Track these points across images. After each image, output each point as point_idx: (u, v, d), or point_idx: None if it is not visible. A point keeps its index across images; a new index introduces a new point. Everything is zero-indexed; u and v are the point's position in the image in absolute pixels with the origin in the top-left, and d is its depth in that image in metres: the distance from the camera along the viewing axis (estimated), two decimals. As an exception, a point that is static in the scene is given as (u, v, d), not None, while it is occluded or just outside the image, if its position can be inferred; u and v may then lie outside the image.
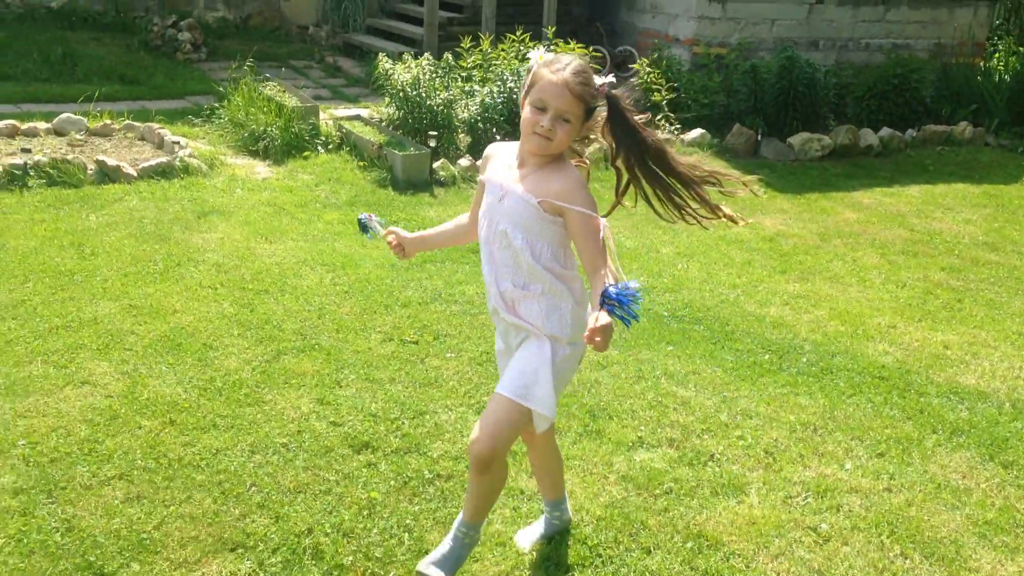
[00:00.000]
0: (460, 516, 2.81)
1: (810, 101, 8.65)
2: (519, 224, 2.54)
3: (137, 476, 3.22)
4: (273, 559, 2.90)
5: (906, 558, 3.08)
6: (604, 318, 2.25)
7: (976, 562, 3.09)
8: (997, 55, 11.18)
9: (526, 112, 2.47)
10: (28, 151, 6.53)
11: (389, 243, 2.88)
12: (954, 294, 5.48)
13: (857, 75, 9.68)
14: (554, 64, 2.46)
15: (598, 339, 2.24)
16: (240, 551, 2.92)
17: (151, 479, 3.22)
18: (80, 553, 2.84)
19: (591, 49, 8.28)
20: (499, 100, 7.62)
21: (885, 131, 8.91)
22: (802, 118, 8.63)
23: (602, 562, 3.00)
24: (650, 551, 3.05)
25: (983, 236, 6.64)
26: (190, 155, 6.75)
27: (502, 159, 2.65)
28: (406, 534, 3.06)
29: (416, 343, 4.39)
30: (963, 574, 3.04)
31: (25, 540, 2.88)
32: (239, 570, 2.83)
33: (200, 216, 5.86)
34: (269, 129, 7.34)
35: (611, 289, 2.30)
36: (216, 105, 8.04)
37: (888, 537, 3.17)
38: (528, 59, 2.56)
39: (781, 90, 8.57)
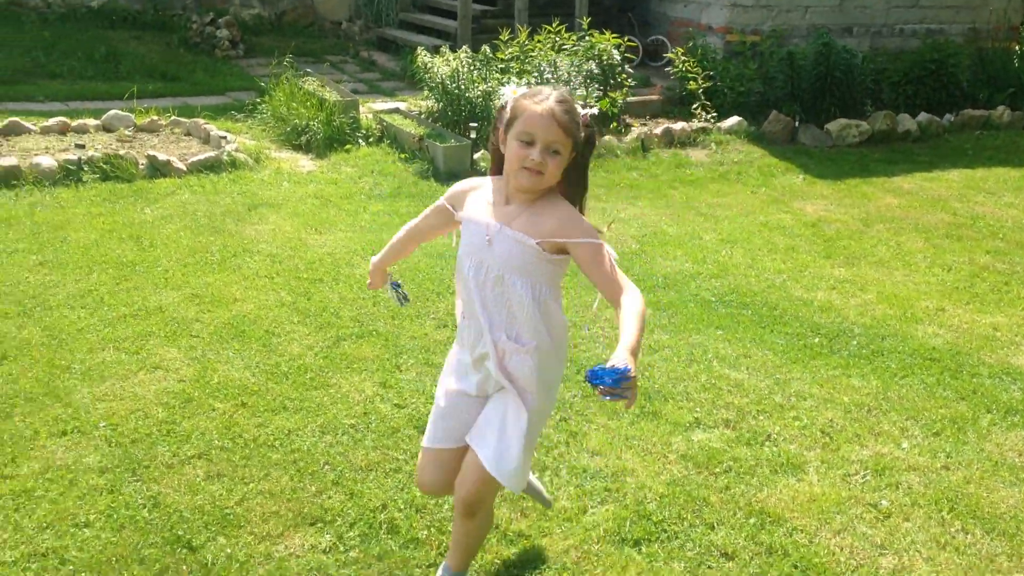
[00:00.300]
0: (445, 564, 2.76)
1: (847, 87, 8.66)
2: (518, 268, 2.36)
3: (215, 455, 3.34)
4: (351, 533, 3.00)
5: (967, 533, 3.14)
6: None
7: (1036, 536, 3.15)
8: (1033, 39, 11.11)
9: (512, 148, 2.29)
10: (82, 147, 6.68)
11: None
12: (1000, 277, 5.51)
13: (892, 61, 9.66)
14: (536, 95, 2.31)
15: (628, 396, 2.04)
16: (319, 525, 3.03)
17: (229, 458, 3.34)
18: (168, 527, 2.96)
19: (625, 39, 8.32)
20: (537, 91, 7.68)
21: (923, 116, 8.90)
22: (839, 104, 8.65)
23: (667, 537, 3.08)
24: (714, 527, 3.13)
25: (1026, 220, 6.64)
26: (236, 149, 6.88)
27: (481, 196, 2.47)
28: (476, 510, 3.15)
29: (471, 329, 4.48)
30: (1024, 548, 3.10)
31: (115, 516, 3.00)
32: (320, 543, 2.94)
33: (250, 208, 5.98)
34: (311, 123, 7.46)
35: (605, 378, 2.02)
36: (257, 100, 8.17)
37: (948, 513, 3.23)
38: (504, 93, 2.41)
39: (818, 76, 8.58)
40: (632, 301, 2.25)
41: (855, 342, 4.54)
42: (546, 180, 2.31)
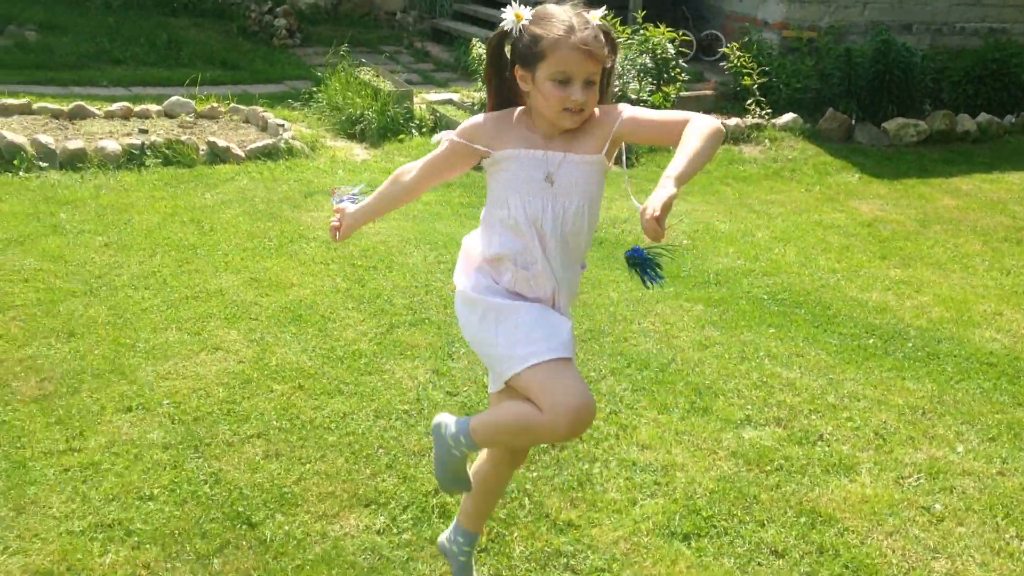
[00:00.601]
0: (464, 530, 2.68)
1: (906, 86, 8.52)
2: (586, 194, 2.23)
3: (274, 435, 3.43)
4: (404, 516, 3.06)
5: (1022, 540, 3.11)
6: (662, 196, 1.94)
7: (1093, 545, 3.11)
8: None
9: (547, 89, 2.13)
10: (145, 132, 6.84)
11: (332, 224, 2.59)
12: (1062, 283, 5.42)
13: (952, 59, 9.49)
14: (552, 23, 2.13)
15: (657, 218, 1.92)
16: (374, 507, 3.09)
17: (286, 438, 3.42)
18: (228, 503, 3.04)
19: (679, 33, 8.28)
20: (591, 84, 7.68)
21: (983, 117, 8.73)
22: (897, 103, 8.52)
23: (717, 533, 3.09)
24: (764, 524, 3.14)
25: (1089, 225, 6.51)
26: (293, 137, 6.99)
27: (511, 131, 2.25)
28: (526, 498, 3.20)
29: (522, 320, 4.52)
30: (1080, 556, 3.06)
31: (178, 490, 3.09)
32: (374, 524, 3.01)
33: (306, 196, 6.08)
34: (366, 113, 7.55)
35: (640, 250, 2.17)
36: (314, 89, 8.29)
37: (1004, 519, 3.20)
38: (506, 18, 2.21)
39: (876, 74, 8.46)
40: (696, 124, 2.11)
41: (910, 344, 4.50)
42: (588, 113, 2.20)
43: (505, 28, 2.19)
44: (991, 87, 9.01)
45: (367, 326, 4.35)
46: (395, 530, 3.00)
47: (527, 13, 2.18)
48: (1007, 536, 3.12)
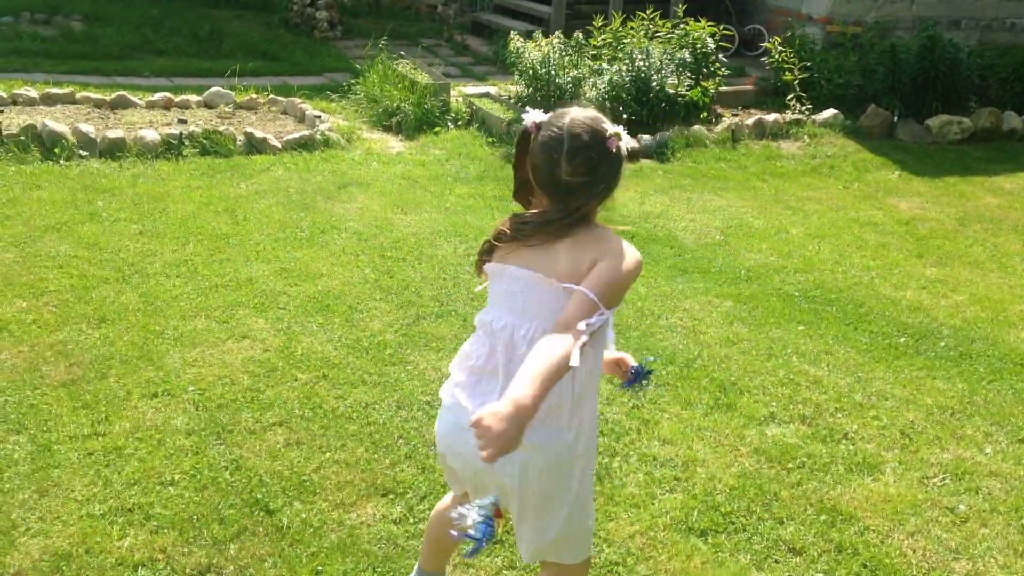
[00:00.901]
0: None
1: (951, 82, 8.35)
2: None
3: (296, 424, 3.46)
4: (421, 506, 3.08)
5: (1049, 544, 3.04)
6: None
7: (1124, 553, 3.03)
8: None
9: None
10: (184, 122, 6.94)
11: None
12: (1105, 284, 5.27)
13: (1002, 56, 9.26)
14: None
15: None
16: (391, 496, 3.11)
17: (308, 427, 3.45)
18: (248, 490, 3.08)
19: (721, 27, 8.19)
20: (627, 79, 7.65)
21: (1030, 114, 8.52)
22: (942, 100, 8.35)
23: (735, 529, 3.07)
24: (783, 521, 3.10)
25: None
26: (329, 129, 7.04)
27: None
28: (544, 491, 3.20)
29: (548, 313, 4.51)
30: (1110, 564, 2.98)
31: (198, 476, 3.14)
32: (391, 513, 3.03)
33: (340, 187, 6.13)
34: (403, 105, 7.58)
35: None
36: (352, 81, 8.34)
37: (1030, 522, 3.14)
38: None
39: (921, 70, 8.30)
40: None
41: (943, 343, 4.41)
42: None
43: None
44: (1040, 84, 8.79)
45: (393, 317, 4.37)
46: (411, 520, 3.02)
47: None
48: (1033, 541, 3.05)
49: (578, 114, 2.02)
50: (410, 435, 3.45)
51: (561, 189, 2.02)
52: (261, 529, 2.92)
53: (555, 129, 2.00)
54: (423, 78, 8.03)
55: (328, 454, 3.31)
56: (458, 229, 5.53)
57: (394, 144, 7.22)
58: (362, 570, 2.79)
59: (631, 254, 2.04)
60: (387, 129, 7.55)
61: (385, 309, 4.44)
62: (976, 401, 3.90)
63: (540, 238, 2.04)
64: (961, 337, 4.48)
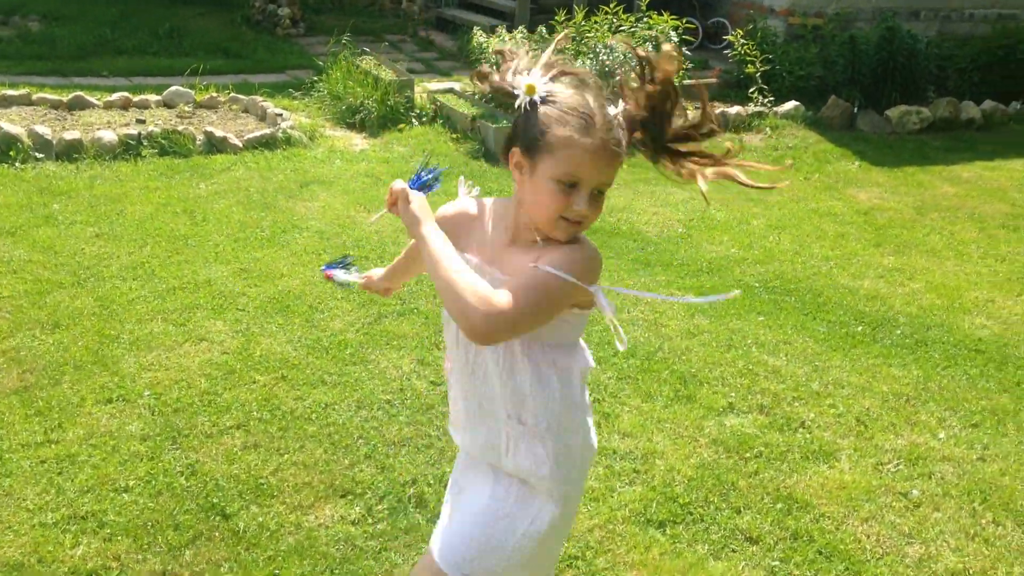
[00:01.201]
0: None
1: (910, 73, 8.44)
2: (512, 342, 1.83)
3: (254, 426, 3.44)
4: (380, 506, 3.08)
5: (998, 525, 3.09)
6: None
7: (1073, 534, 3.08)
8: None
9: (546, 189, 1.71)
10: (142, 122, 6.87)
11: (366, 288, 2.29)
12: (1058, 269, 5.37)
13: (960, 47, 9.38)
14: (577, 114, 1.69)
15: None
16: (350, 497, 3.10)
17: (266, 429, 3.43)
18: (204, 495, 3.06)
19: (684, 20, 8.23)
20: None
21: (987, 104, 8.64)
22: (901, 90, 8.44)
23: (693, 520, 3.09)
24: (740, 511, 3.13)
25: (1090, 211, 6.44)
26: (291, 127, 7.00)
27: (475, 228, 1.88)
28: (504, 487, 3.21)
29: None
30: (1059, 545, 3.04)
31: (153, 482, 3.12)
32: (349, 514, 3.02)
33: (302, 186, 6.10)
34: (366, 102, 7.55)
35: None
36: (315, 79, 8.29)
37: (980, 504, 3.19)
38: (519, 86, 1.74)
39: (880, 61, 8.39)
40: (496, 294, 1.68)
41: (899, 331, 4.47)
42: (586, 227, 1.79)
43: (519, 99, 1.73)
44: (997, 74, 8.92)
45: (355, 316, 4.36)
46: (370, 520, 3.02)
47: (542, 85, 1.71)
48: (983, 521, 3.10)
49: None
50: (370, 435, 3.45)
51: None
52: (217, 534, 2.90)
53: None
54: (387, 74, 8.00)
55: (286, 456, 3.30)
56: (420, 226, 5.51)
57: (357, 141, 7.19)
58: (320, 572, 2.78)
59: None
60: (351, 126, 7.51)
61: (346, 308, 4.43)
62: (930, 387, 3.95)
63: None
64: (917, 324, 4.54)
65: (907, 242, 5.72)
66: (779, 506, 3.15)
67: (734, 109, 8.15)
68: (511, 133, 1.79)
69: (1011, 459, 3.45)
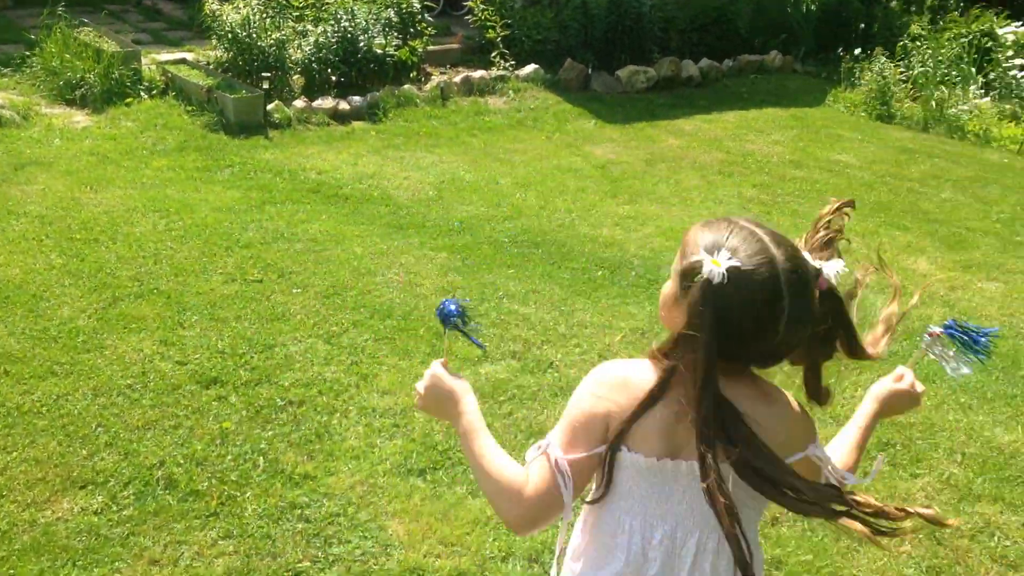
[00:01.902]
0: None
1: (637, 35, 8.97)
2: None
3: (-27, 426, 3.15)
4: (125, 492, 2.91)
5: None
6: None
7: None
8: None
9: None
10: None
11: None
12: (763, 207, 5.95)
13: (681, 9, 10.08)
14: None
15: None
16: (90, 488, 2.92)
17: (-11, 427, 3.15)
18: (-82, 504, 2.77)
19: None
20: (333, 40, 7.54)
21: (705, 62, 9.36)
22: (630, 52, 8.96)
23: (452, 464, 3.18)
24: (497, 452, 3.25)
25: (790, 155, 7.18)
26: (1, 106, 6.37)
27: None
28: (260, 457, 3.14)
29: (260, 281, 4.40)
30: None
31: None
32: (91, 505, 2.84)
33: (17, 168, 5.59)
34: (87, 76, 7.00)
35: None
36: (27, 54, 7.57)
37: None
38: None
39: (610, 25, 8.85)
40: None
41: (634, 273, 4.79)
42: None
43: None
44: (713, 34, 9.68)
45: (86, 302, 4.07)
46: (115, 508, 2.85)
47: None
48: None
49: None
50: (110, 422, 3.25)
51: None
52: (-64, 543, 2.64)
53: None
54: (109, 46, 7.45)
55: (15, 453, 3.04)
56: (157, 204, 5.22)
57: (79, 118, 6.67)
58: (60, 566, 2.60)
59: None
60: (70, 103, 6.94)
61: (76, 294, 4.12)
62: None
63: None
64: (649, 266, 4.89)
65: (639, 191, 6.12)
66: (531, 440, 3.28)
67: (478, 73, 8.31)
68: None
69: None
